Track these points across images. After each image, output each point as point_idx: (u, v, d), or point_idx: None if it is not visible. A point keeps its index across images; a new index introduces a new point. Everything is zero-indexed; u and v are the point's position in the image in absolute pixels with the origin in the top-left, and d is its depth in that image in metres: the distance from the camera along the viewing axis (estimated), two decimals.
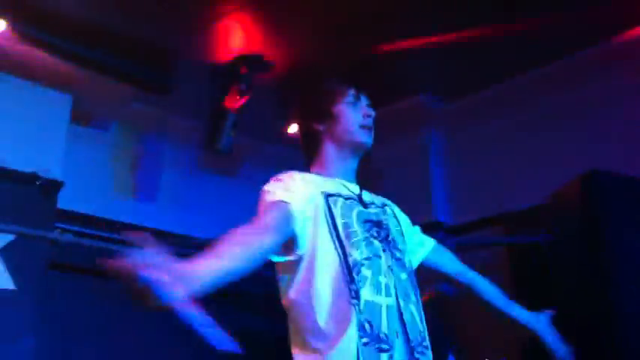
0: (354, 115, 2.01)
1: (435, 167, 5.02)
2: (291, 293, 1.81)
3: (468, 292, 2.14)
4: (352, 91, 2.04)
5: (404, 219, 2.10)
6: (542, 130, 4.51)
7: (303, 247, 1.78)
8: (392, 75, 4.51)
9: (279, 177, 1.90)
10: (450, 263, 2.14)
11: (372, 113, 2.03)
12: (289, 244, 1.78)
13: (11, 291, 3.85)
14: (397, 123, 4.89)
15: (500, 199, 4.57)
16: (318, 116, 2.02)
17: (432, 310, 3.70)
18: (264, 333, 4.59)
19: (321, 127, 2.01)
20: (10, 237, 3.93)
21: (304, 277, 1.79)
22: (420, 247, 2.10)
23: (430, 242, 2.14)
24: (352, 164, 2.05)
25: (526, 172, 4.49)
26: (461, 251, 4.35)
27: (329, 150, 2.02)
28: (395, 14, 3.93)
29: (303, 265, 1.79)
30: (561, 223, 3.59)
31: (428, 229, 2.26)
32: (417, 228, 2.15)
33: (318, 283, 1.76)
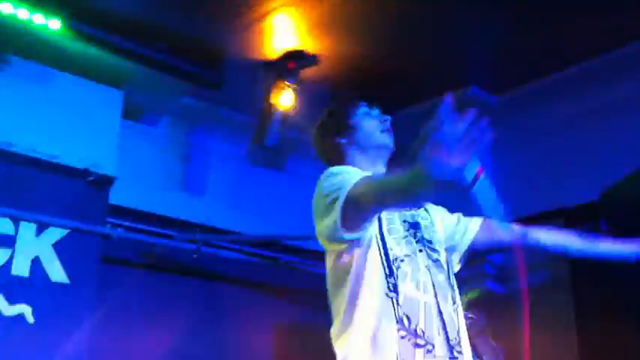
0: (371, 122, 2.11)
1: (483, 162, 4.94)
2: (342, 281, 1.86)
3: (544, 252, 2.12)
4: (364, 103, 2.14)
5: (440, 214, 2.13)
6: (595, 124, 4.40)
7: (368, 229, 1.82)
8: (441, 67, 4.46)
9: (341, 168, 1.94)
10: (506, 232, 2.11)
11: (388, 118, 2.12)
12: (362, 220, 1.80)
13: (66, 285, 3.95)
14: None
15: (551, 195, 4.48)
16: (338, 131, 2.11)
17: (479, 308, 3.69)
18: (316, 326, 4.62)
19: (342, 140, 2.10)
20: (64, 231, 4.04)
21: (357, 265, 1.83)
22: (465, 231, 2.13)
23: (476, 221, 2.15)
24: (381, 169, 2.09)
25: (578, 167, 4.39)
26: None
27: (355, 158, 2.08)
28: (442, 8, 3.89)
29: (360, 252, 1.83)
30: (617, 219, 3.51)
31: None
32: (458, 215, 2.18)
33: (365, 273, 1.82)
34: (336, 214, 1.77)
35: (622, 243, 2.09)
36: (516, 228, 2.13)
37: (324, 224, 1.84)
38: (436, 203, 2.16)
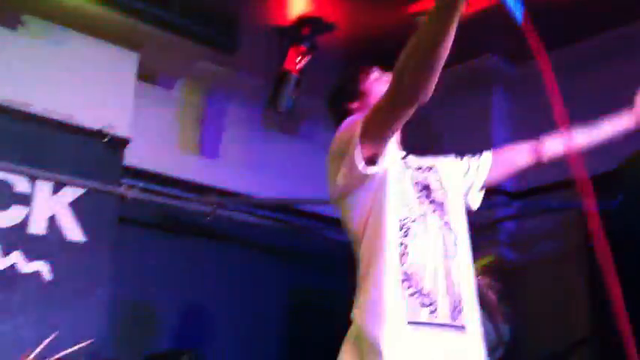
0: (382, 88, 2.09)
1: (498, 131, 4.93)
2: (358, 243, 1.91)
3: (557, 155, 2.19)
4: (376, 69, 2.16)
5: (449, 166, 2.16)
6: (613, 95, 4.34)
7: (382, 167, 1.86)
8: (458, 36, 4.41)
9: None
10: (519, 155, 2.20)
11: None
12: (378, 154, 1.85)
13: (82, 243, 4.01)
14: (460, 85, 4.80)
15: (566, 165, 4.45)
16: (350, 96, 2.14)
17: (491, 275, 3.71)
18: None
19: (354, 105, 2.12)
20: (80, 191, 4.08)
21: (369, 225, 1.88)
22: (477, 167, 2.18)
23: (487, 156, 2.21)
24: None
25: None
26: (525, 217, 4.31)
27: None
28: None
29: (371, 213, 1.88)
30: (632, 190, 3.50)
31: (489, 194, 2.26)
32: (467, 157, 2.23)
33: (375, 233, 1.86)
34: (355, 141, 1.81)
35: (618, 115, 2.23)
36: (526, 146, 2.20)
37: (341, 171, 1.88)
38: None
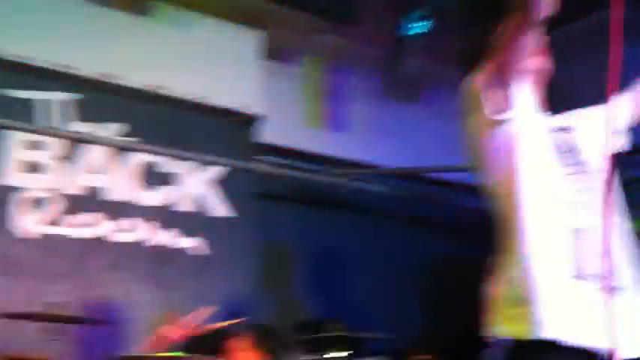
0: None
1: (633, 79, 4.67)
2: (499, 209, 1.88)
3: None
4: (500, 27, 2.06)
5: (591, 121, 2.07)
6: None
7: (514, 113, 1.84)
8: None
9: None
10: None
11: None
12: (507, 99, 1.84)
13: (228, 219, 4.25)
14: (593, 37, 4.58)
15: None
16: (477, 58, 2.00)
17: None
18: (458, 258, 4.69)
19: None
20: (221, 169, 4.30)
21: (509, 192, 1.85)
22: (616, 115, 2.05)
23: (622, 98, 2.11)
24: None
25: None
26: None
27: None
28: None
29: (511, 179, 1.85)
30: None
31: (627, 153, 2.19)
32: (603, 106, 2.08)
33: (518, 200, 1.83)
34: (483, 89, 1.82)
35: None
36: None
37: (472, 124, 1.89)
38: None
